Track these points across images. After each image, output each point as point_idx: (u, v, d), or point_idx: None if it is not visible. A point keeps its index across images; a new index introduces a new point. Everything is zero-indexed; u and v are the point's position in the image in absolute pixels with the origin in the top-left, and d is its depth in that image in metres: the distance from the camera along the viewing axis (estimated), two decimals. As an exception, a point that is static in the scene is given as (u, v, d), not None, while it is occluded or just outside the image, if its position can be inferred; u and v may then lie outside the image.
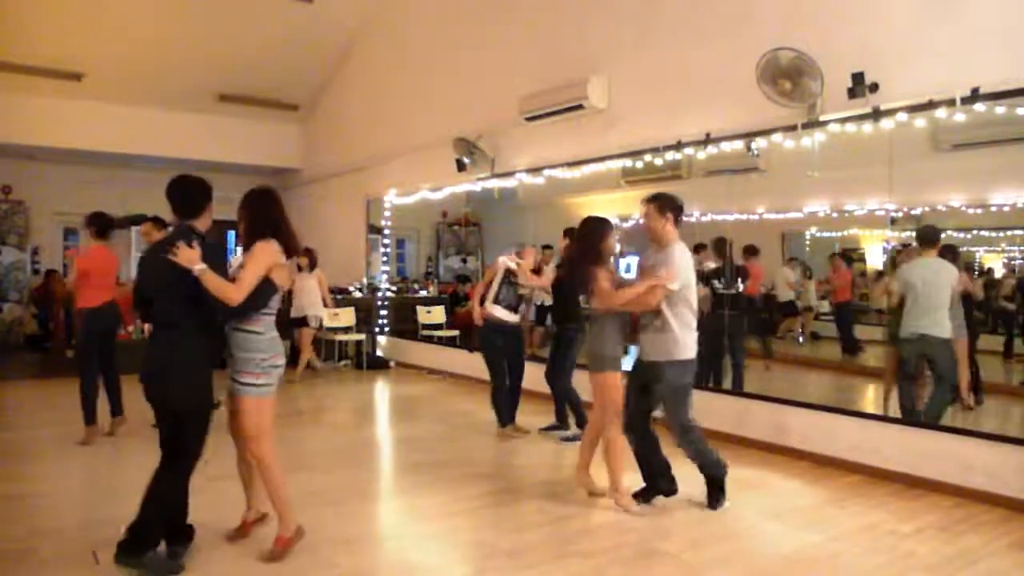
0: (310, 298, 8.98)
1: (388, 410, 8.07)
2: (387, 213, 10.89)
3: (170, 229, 3.87)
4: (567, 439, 5.99)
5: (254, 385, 3.55)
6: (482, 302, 6.08)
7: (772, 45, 5.29)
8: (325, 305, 9.29)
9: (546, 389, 6.30)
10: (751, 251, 7.01)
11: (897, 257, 5.98)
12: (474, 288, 6.28)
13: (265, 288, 3.50)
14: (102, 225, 5.97)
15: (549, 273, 6.08)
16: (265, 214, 3.65)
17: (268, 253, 3.53)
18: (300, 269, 8.99)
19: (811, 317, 8.06)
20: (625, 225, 9.57)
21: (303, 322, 8.98)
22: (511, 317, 6.08)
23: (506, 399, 6.18)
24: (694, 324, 4.28)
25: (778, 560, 3.70)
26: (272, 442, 3.63)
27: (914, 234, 5.59)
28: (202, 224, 3.65)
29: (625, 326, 4.51)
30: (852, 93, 5.00)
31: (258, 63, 11.21)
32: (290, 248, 3.68)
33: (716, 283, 6.62)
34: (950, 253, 5.49)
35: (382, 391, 8.85)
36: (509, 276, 6.04)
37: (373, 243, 11.30)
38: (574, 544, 3.84)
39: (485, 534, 3.99)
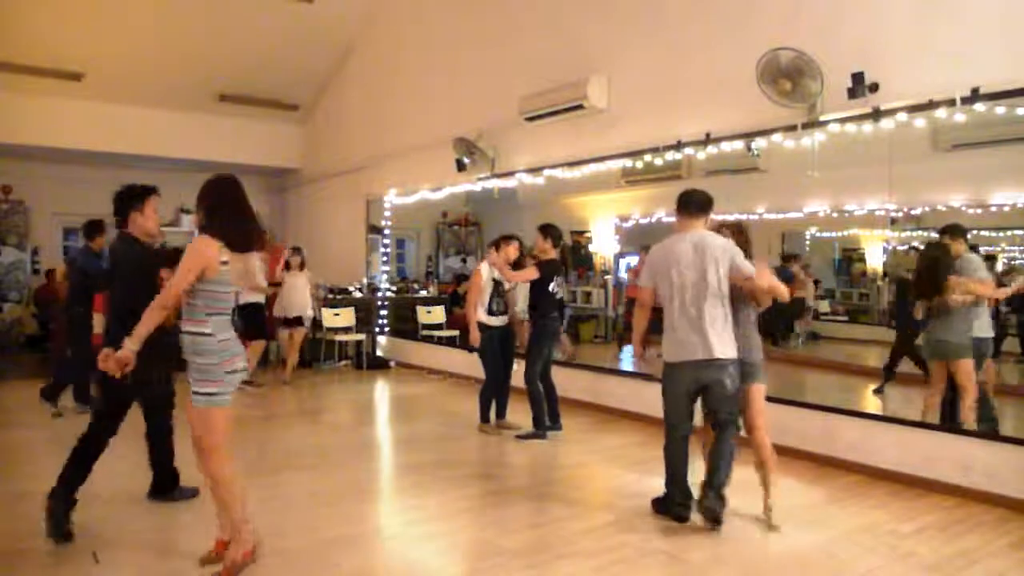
0: (302, 298, 8.81)
1: (388, 410, 8.07)
2: (387, 213, 10.89)
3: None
4: (521, 437, 6.07)
5: (199, 393, 3.20)
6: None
7: (772, 45, 5.30)
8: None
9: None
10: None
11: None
12: (468, 294, 6.32)
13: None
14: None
15: (531, 271, 6.08)
16: (210, 204, 3.31)
17: (198, 250, 3.20)
18: (290, 268, 8.82)
19: (810, 317, 8.06)
20: (625, 225, 9.60)
21: (296, 322, 8.84)
22: (501, 321, 6.30)
23: (498, 396, 6.38)
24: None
25: (778, 560, 3.71)
26: (224, 457, 3.29)
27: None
28: (137, 228, 4.13)
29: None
30: (852, 93, 5.01)
31: (258, 63, 11.20)
32: (234, 241, 3.26)
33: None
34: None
35: (382, 391, 8.85)
36: (498, 287, 6.24)
37: (373, 243, 11.29)
38: (575, 544, 3.84)
39: (486, 534, 3.99)
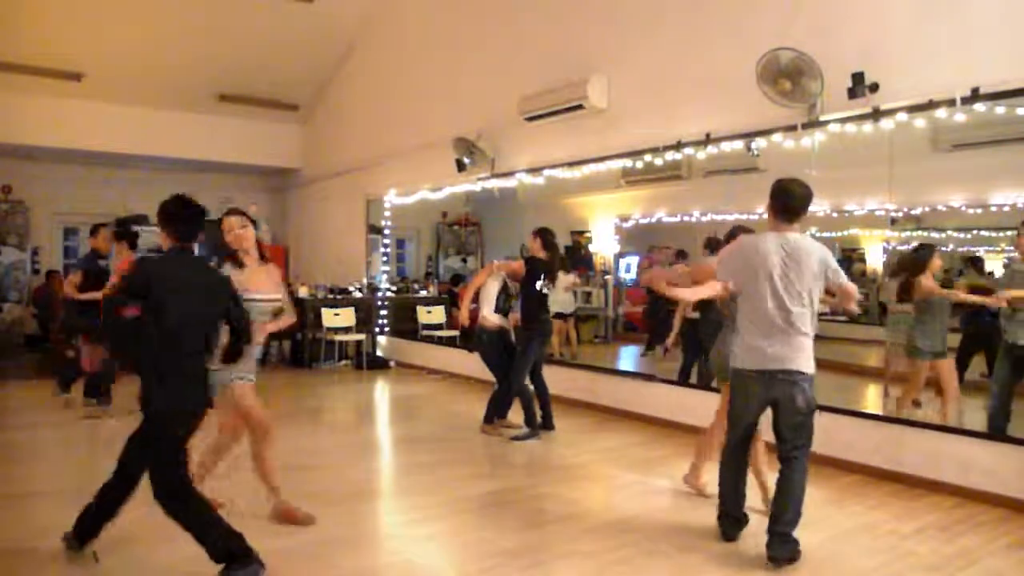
0: None
1: (388, 410, 8.08)
2: (387, 213, 10.89)
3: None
4: (516, 438, 6.08)
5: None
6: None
7: (772, 45, 5.29)
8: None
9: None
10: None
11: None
12: (464, 290, 6.42)
13: None
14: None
15: (519, 264, 6.25)
16: None
17: None
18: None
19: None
20: (625, 225, 9.60)
21: None
22: (505, 322, 6.34)
23: (502, 397, 6.36)
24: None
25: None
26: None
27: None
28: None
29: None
30: (852, 93, 5.01)
31: (258, 63, 11.20)
32: None
33: None
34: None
35: (382, 391, 8.85)
36: (506, 286, 6.28)
37: (373, 243, 11.29)
38: (575, 544, 3.84)
39: (486, 533, 3.99)
